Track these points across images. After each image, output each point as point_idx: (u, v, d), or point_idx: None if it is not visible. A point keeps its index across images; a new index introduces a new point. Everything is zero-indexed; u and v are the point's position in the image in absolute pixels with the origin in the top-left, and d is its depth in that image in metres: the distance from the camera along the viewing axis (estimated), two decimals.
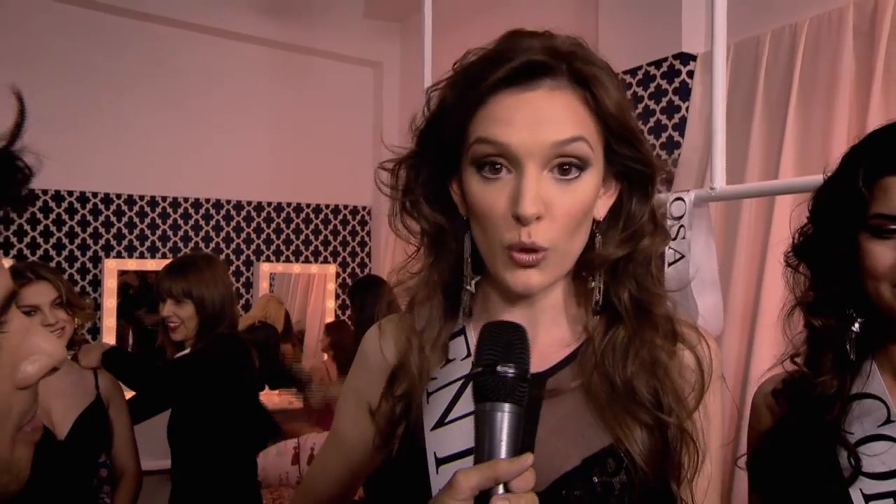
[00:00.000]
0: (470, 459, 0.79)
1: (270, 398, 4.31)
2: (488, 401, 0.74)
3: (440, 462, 0.85)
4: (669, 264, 2.00)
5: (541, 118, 0.82)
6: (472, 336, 0.91)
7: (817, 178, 1.73)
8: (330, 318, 4.84)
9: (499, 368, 0.74)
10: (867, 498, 0.93)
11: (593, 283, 0.89)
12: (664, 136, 3.14)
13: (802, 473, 1.00)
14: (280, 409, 4.14)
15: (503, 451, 0.72)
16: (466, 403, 0.85)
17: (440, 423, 0.87)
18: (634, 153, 0.87)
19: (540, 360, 0.87)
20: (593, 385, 0.86)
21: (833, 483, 0.95)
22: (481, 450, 0.73)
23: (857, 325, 1.01)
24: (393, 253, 4.75)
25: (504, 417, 0.72)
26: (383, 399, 0.93)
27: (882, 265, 0.95)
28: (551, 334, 0.91)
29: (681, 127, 3.07)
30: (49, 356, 0.57)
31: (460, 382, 0.88)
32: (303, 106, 4.73)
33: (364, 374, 1.01)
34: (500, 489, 0.71)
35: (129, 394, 2.45)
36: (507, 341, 0.76)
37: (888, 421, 0.96)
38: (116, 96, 4.29)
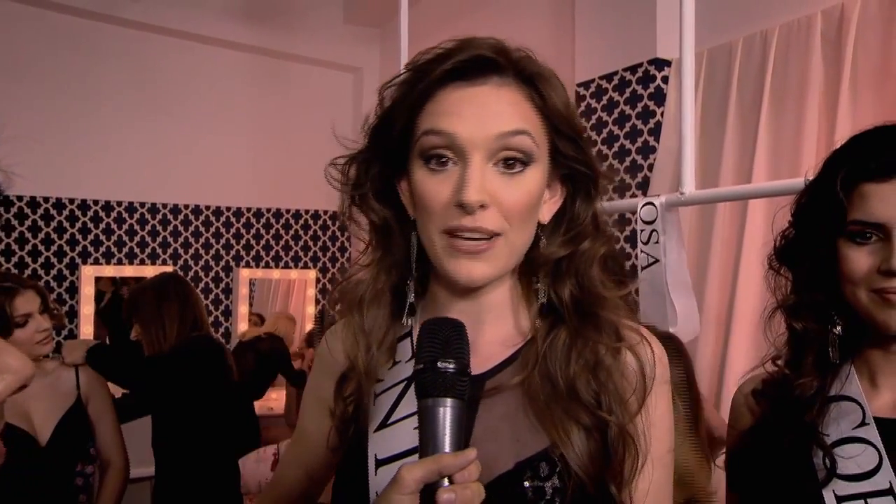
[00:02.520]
0: (411, 459, 0.80)
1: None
2: (430, 396, 0.74)
3: (379, 464, 0.85)
4: (643, 268, 2.02)
5: (487, 111, 0.83)
6: (416, 338, 0.90)
7: (787, 183, 1.77)
8: (310, 325, 4.83)
9: (439, 364, 0.74)
10: (840, 499, 0.95)
11: (538, 285, 0.91)
12: (640, 140, 3.17)
13: (778, 473, 1.02)
14: (260, 414, 4.12)
15: (447, 444, 0.73)
16: (409, 404, 0.85)
17: (383, 424, 0.87)
18: (579, 154, 0.89)
19: (482, 361, 0.88)
20: (533, 385, 0.86)
21: (808, 484, 0.97)
22: (426, 445, 0.74)
23: (838, 328, 1.03)
24: None
25: (447, 412, 0.73)
26: (336, 399, 0.94)
27: (859, 270, 0.97)
28: (495, 333, 0.91)
29: (656, 132, 3.10)
30: (16, 374, 0.57)
31: (404, 384, 0.88)
32: (282, 111, 4.72)
33: (320, 374, 1.01)
34: (445, 482, 0.71)
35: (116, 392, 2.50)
36: (445, 337, 0.77)
37: (863, 423, 0.98)
38: (93, 102, 4.26)
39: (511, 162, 0.84)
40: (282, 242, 4.88)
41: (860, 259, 0.97)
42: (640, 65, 3.16)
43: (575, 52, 3.46)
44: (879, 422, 0.98)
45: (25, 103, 3.97)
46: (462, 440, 0.74)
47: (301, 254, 4.94)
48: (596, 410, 0.84)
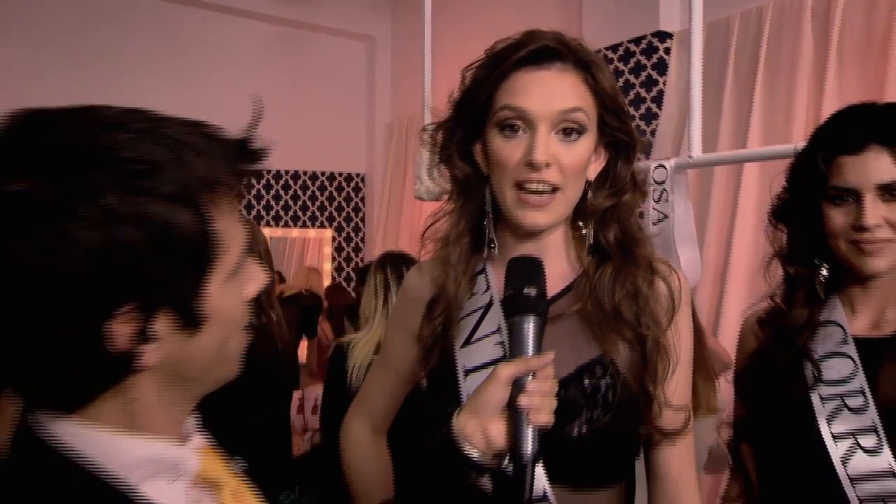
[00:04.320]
0: (487, 373, 0.99)
1: None
2: (518, 314, 0.93)
3: (468, 372, 1.07)
4: (654, 223, 2.29)
5: (552, 92, 1.03)
6: (491, 273, 1.12)
7: (781, 148, 2.02)
8: (327, 281, 5.11)
9: (525, 290, 0.93)
10: (823, 399, 1.19)
11: (585, 230, 1.11)
12: (643, 107, 3.44)
13: (777, 383, 1.26)
14: None
15: (531, 350, 0.92)
16: (488, 326, 1.07)
17: (467, 342, 1.09)
18: (622, 125, 1.08)
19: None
20: (587, 309, 1.06)
21: (799, 388, 1.22)
22: (514, 351, 0.93)
23: (824, 270, 1.27)
24: (386, 217, 5.02)
25: (530, 326, 0.92)
26: (424, 323, 1.14)
27: (838, 226, 1.19)
28: (553, 269, 1.07)
29: (658, 99, 3.37)
30: (262, 280, 0.73)
31: (482, 310, 1.09)
32: (300, 78, 4.93)
33: (407, 306, 1.21)
34: (530, 377, 0.90)
35: None
36: (529, 270, 0.96)
37: (844, 342, 1.22)
38: (121, 70, 4.46)
39: (569, 131, 1.04)
40: (299, 203, 5.13)
41: (839, 217, 1.19)
42: (644, 37, 3.40)
43: (582, 24, 3.70)
44: (856, 340, 1.21)
45: (51, 75, 4.17)
46: (540, 348, 0.93)
47: (318, 213, 5.20)
48: (636, 328, 1.05)
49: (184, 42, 4.64)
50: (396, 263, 2.65)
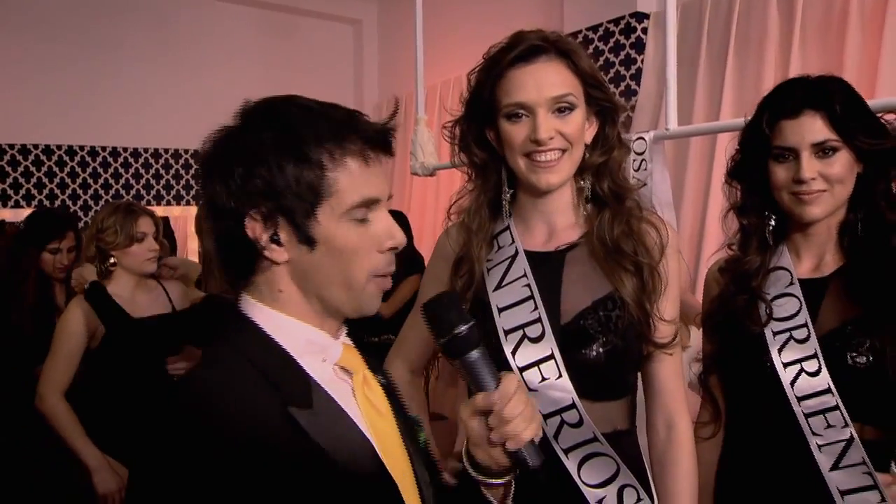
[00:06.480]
0: (516, 310, 1.28)
1: None
2: (460, 355, 0.96)
3: (501, 310, 1.30)
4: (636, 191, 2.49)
5: (543, 82, 1.26)
6: (514, 230, 1.35)
7: None
8: None
9: (456, 331, 0.95)
10: (774, 334, 1.39)
11: (583, 183, 1.34)
12: (622, 84, 3.62)
13: (736, 322, 1.45)
14: None
15: (488, 381, 0.95)
16: (514, 272, 1.31)
17: (498, 286, 1.32)
18: (604, 95, 1.31)
19: (561, 240, 1.33)
20: (595, 249, 1.30)
21: (755, 325, 1.41)
22: (475, 387, 0.96)
23: (773, 221, 1.46)
24: None
25: (477, 360, 0.95)
26: (452, 277, 1.38)
27: (781, 180, 1.36)
28: (566, 220, 1.35)
29: (637, 77, 3.55)
30: (396, 239, 0.92)
31: (509, 260, 1.33)
32: (289, 61, 5.05)
33: (440, 262, 1.44)
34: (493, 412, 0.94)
35: None
36: (447, 309, 0.98)
37: (791, 283, 1.42)
38: (114, 55, 4.59)
39: (563, 109, 1.27)
40: None
41: (781, 173, 1.37)
42: (623, 17, 3.58)
43: (563, 5, 3.88)
44: (801, 282, 1.40)
45: (51, 60, 4.32)
46: (495, 373, 0.96)
47: None
48: (634, 257, 1.28)
49: (174, 27, 4.76)
50: None
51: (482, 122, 1.35)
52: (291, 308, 0.90)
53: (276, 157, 0.86)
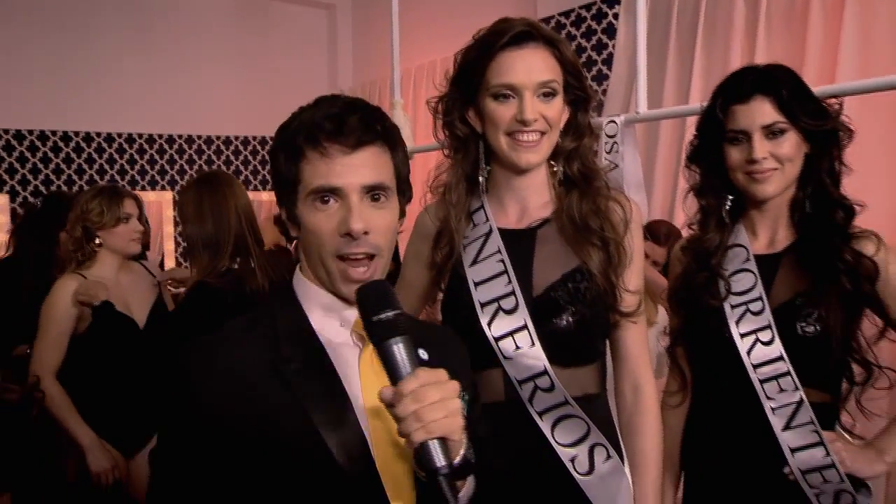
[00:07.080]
0: (491, 283, 1.35)
1: None
2: (382, 341, 0.92)
3: (477, 285, 1.38)
4: (605, 172, 2.56)
5: (530, 67, 1.34)
6: (488, 207, 1.42)
7: None
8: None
9: (381, 316, 0.92)
10: (733, 307, 1.47)
11: (555, 167, 1.43)
12: (595, 69, 3.70)
13: (698, 297, 1.53)
14: None
15: (406, 371, 0.90)
16: (489, 249, 1.39)
17: (474, 261, 1.40)
18: (580, 85, 1.39)
19: (534, 218, 1.41)
20: (564, 227, 1.38)
21: (714, 300, 1.50)
22: (392, 377, 0.90)
23: (728, 201, 1.54)
24: None
25: (398, 348, 0.91)
26: (434, 251, 1.45)
27: (736, 161, 1.45)
28: (539, 199, 1.43)
29: (608, 62, 3.62)
30: (350, 227, 1.01)
31: (484, 237, 1.41)
32: (263, 46, 5.08)
33: (420, 239, 1.51)
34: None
35: None
36: (378, 295, 0.96)
37: (747, 259, 1.50)
38: (90, 41, 4.58)
39: (547, 94, 1.35)
40: (268, 167, 5.28)
41: (735, 154, 1.45)
42: (595, 3, 3.65)
43: None
44: (756, 258, 1.48)
45: (28, 49, 4.30)
46: (414, 364, 0.91)
47: None
48: (601, 233, 1.37)
49: (147, 12, 4.75)
50: None
51: (467, 100, 1.41)
52: (311, 276, 1.08)
53: (275, 153, 1.06)
